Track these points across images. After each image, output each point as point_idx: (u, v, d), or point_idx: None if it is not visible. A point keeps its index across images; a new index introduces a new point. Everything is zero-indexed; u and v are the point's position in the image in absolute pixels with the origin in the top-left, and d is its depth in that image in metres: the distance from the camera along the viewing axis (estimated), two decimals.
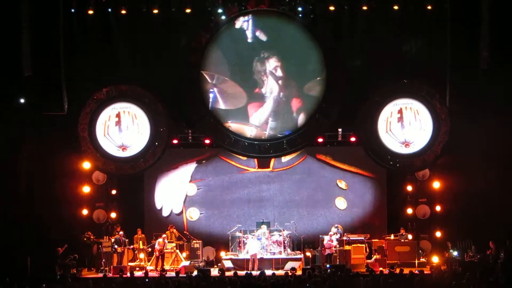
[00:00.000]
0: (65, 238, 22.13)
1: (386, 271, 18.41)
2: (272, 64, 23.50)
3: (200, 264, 22.39)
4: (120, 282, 16.88)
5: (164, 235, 22.31)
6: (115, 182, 24.09)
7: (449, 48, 21.98)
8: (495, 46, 21.34)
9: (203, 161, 24.52)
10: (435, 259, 22.42)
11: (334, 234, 22.47)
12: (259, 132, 23.77)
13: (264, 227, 22.78)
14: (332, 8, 23.04)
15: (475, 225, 22.15)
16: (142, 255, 22.59)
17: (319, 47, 23.37)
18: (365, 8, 22.95)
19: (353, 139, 23.92)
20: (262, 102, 23.64)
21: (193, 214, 24.27)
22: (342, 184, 24.33)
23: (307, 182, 24.34)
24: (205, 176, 24.47)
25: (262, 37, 23.56)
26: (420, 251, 22.69)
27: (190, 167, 24.49)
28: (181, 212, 24.26)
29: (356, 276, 17.14)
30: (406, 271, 17.14)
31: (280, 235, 22.67)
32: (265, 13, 23.51)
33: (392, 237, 22.73)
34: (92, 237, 22.87)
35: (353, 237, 22.53)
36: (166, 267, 21.84)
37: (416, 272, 17.29)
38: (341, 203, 24.21)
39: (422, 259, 22.45)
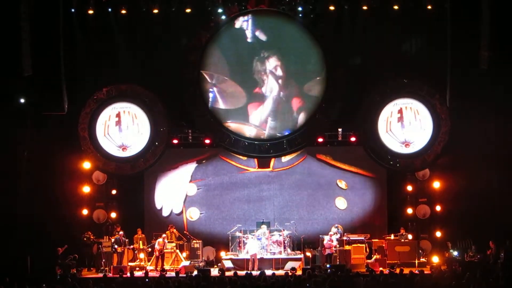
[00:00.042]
0: (65, 238, 22.16)
1: (386, 271, 18.42)
2: (272, 63, 23.51)
3: (200, 264, 22.39)
4: (120, 282, 16.89)
5: (164, 235, 22.32)
6: (115, 182, 24.09)
7: (449, 48, 21.99)
8: (495, 46, 21.34)
9: (203, 161, 24.52)
10: (435, 259, 22.44)
11: (334, 234, 22.48)
12: (259, 132, 23.77)
13: (264, 227, 22.78)
14: (332, 7, 23.04)
15: (475, 225, 22.16)
16: (142, 255, 22.59)
17: (319, 46, 23.37)
18: (365, 8, 22.94)
19: (353, 139, 23.92)
20: (262, 102, 23.65)
21: (193, 214, 24.27)
22: (342, 184, 24.33)
23: (307, 182, 24.33)
24: (205, 176, 24.47)
25: (262, 37, 23.57)
26: (420, 251, 22.69)
27: (190, 167, 24.49)
28: (181, 212, 24.26)
29: (356, 276, 17.12)
30: (406, 271, 17.15)
31: (280, 235, 22.66)
32: (265, 13, 23.52)
33: (392, 237, 22.73)
34: (92, 237, 22.87)
35: (353, 237, 22.53)
36: (166, 267, 21.84)
37: (416, 272, 17.28)
38: (341, 203, 24.20)
39: (422, 259, 22.45)
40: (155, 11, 23.00)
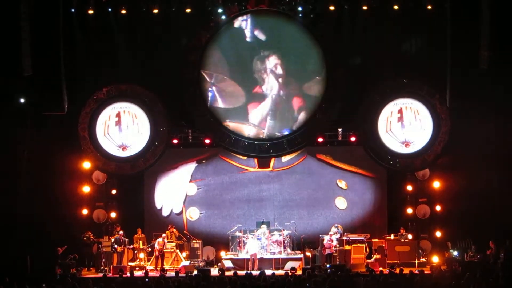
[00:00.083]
0: (65, 238, 22.16)
1: (386, 271, 18.43)
2: (272, 62, 23.51)
3: (200, 264, 22.39)
4: (120, 282, 16.89)
5: (163, 235, 22.32)
6: (115, 182, 24.09)
7: (449, 48, 22.00)
8: (495, 46, 21.34)
9: (203, 161, 24.52)
10: (435, 259, 22.43)
11: (334, 234, 22.48)
12: (258, 131, 23.77)
13: (264, 227, 22.78)
14: (332, 7, 23.03)
15: (475, 225, 22.17)
16: (142, 255, 22.59)
17: (319, 46, 23.37)
18: (365, 8, 22.93)
19: (353, 138, 23.91)
20: (261, 101, 23.65)
21: (193, 214, 24.27)
22: (342, 184, 24.33)
23: (307, 181, 24.33)
24: (205, 175, 24.47)
25: (261, 36, 23.57)
26: (420, 251, 22.69)
27: (190, 166, 24.49)
28: (181, 212, 24.26)
29: (356, 276, 17.14)
30: (406, 271, 17.16)
31: (280, 235, 22.67)
32: (265, 12, 23.52)
33: (392, 237, 22.73)
34: (92, 237, 22.87)
35: (353, 237, 22.53)
36: (166, 267, 21.84)
37: (416, 272, 17.28)
38: (341, 202, 24.20)
39: (422, 259, 22.45)
40: (155, 11, 23.00)
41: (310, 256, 22.47)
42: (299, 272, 19.22)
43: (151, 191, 24.32)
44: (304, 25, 23.35)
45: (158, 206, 24.26)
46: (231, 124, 23.74)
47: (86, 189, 23.67)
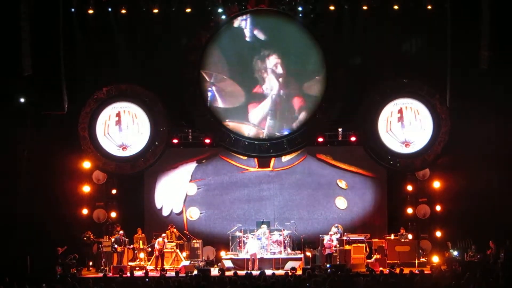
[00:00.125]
0: (65, 238, 22.15)
1: (386, 271, 18.43)
2: (272, 61, 23.52)
3: (200, 264, 22.40)
4: (120, 282, 16.86)
5: (163, 235, 22.32)
6: (115, 181, 24.08)
7: (449, 48, 22.00)
8: (495, 46, 21.35)
9: (203, 161, 24.52)
10: (435, 259, 22.44)
11: (334, 233, 22.48)
12: (258, 131, 23.77)
13: (264, 226, 22.78)
14: (332, 7, 23.03)
15: (475, 225, 22.17)
16: (142, 255, 22.60)
17: (319, 46, 23.37)
18: (365, 7, 22.93)
19: (353, 138, 23.91)
20: (261, 101, 23.65)
21: (193, 214, 24.27)
22: (342, 184, 24.33)
23: (307, 181, 24.33)
24: (205, 175, 24.47)
25: (261, 36, 23.58)
26: (420, 251, 22.71)
27: (190, 166, 24.49)
28: (181, 212, 24.26)
29: (356, 276, 17.15)
30: (406, 271, 17.17)
31: (280, 235, 22.67)
32: (265, 12, 23.51)
33: (392, 236, 22.74)
34: (92, 236, 22.86)
35: (353, 236, 22.54)
36: (166, 266, 21.85)
37: (416, 272, 17.28)
38: (341, 202, 24.20)
39: (422, 259, 22.47)
40: (155, 11, 23.00)
41: (310, 256, 22.48)
42: (299, 272, 19.23)
43: (151, 191, 24.32)
44: (304, 25, 23.35)
45: (158, 206, 24.26)
46: (230, 124, 23.74)
47: (86, 189, 23.67)
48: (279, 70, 23.57)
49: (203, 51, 23.38)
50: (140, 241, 22.72)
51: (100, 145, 23.34)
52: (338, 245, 22.20)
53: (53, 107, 22.22)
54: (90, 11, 22.90)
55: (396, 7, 22.82)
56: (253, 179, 24.40)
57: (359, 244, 22.13)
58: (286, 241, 22.62)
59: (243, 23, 23.54)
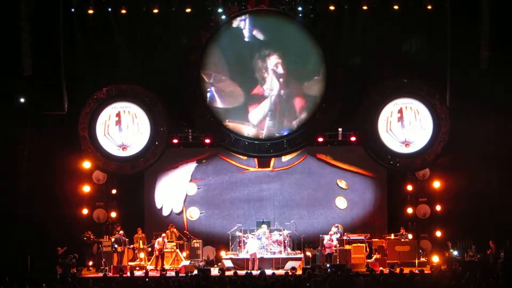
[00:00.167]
0: (65, 238, 22.16)
1: (386, 270, 18.43)
2: (273, 61, 23.52)
3: (200, 264, 22.40)
4: (120, 282, 16.87)
5: (163, 235, 22.32)
6: (115, 181, 24.08)
7: (449, 48, 22.01)
8: (495, 46, 21.35)
9: (203, 161, 24.52)
10: (435, 259, 22.45)
11: (334, 233, 22.49)
12: (257, 131, 23.78)
13: (264, 226, 22.79)
14: (332, 7, 23.02)
15: (475, 224, 22.17)
16: (142, 255, 22.61)
17: (319, 46, 23.37)
18: (365, 7, 22.92)
19: (353, 138, 23.91)
20: (261, 101, 23.66)
21: (193, 214, 24.27)
22: (342, 184, 24.33)
23: (307, 181, 24.33)
24: (205, 175, 24.47)
25: (260, 36, 23.57)
26: (420, 251, 22.71)
27: (190, 166, 24.49)
28: (181, 212, 24.26)
29: (356, 275, 17.13)
30: (406, 270, 17.17)
31: (280, 235, 22.67)
32: (265, 12, 23.51)
33: (392, 236, 22.74)
34: (92, 236, 22.86)
35: (353, 236, 22.55)
36: (166, 266, 21.85)
37: (416, 271, 17.28)
38: (341, 202, 24.20)
39: (422, 259, 22.48)
40: (155, 11, 22.99)
41: (310, 255, 22.48)
42: (299, 272, 19.22)
43: (151, 191, 24.32)
44: (304, 25, 23.34)
45: (158, 205, 24.26)
46: (230, 124, 23.74)
47: (86, 188, 23.66)
48: (280, 70, 23.57)
49: (203, 51, 23.37)
50: (140, 241, 22.72)
51: (100, 145, 23.34)
52: (338, 245, 22.21)
53: (53, 107, 22.23)
54: (90, 11, 22.89)
55: (396, 7, 22.82)
56: (253, 179, 24.40)
57: (359, 244, 22.13)
58: (286, 241, 22.62)
59: (242, 23, 23.55)
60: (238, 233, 22.84)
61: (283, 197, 24.28)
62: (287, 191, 24.32)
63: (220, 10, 23.22)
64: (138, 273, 19.98)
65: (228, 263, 22.01)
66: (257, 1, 23.32)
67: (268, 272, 17.91)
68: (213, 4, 23.17)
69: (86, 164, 23.47)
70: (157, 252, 21.95)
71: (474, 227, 22.15)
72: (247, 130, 23.76)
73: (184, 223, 24.11)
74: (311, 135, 23.83)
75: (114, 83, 23.47)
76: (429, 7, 22.76)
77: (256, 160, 24.31)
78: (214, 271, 20.58)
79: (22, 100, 22.38)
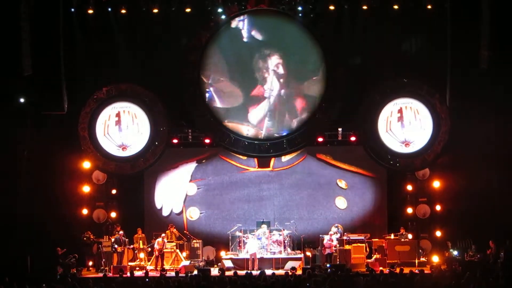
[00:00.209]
0: (65, 238, 22.17)
1: (386, 270, 18.43)
2: (274, 61, 23.51)
3: (200, 264, 22.40)
4: (120, 282, 16.88)
5: (163, 235, 22.32)
6: (115, 181, 24.07)
7: (449, 48, 22.01)
8: (495, 46, 21.36)
9: (203, 161, 24.52)
10: (435, 259, 22.45)
11: (334, 233, 22.49)
12: (256, 131, 23.78)
13: (264, 226, 22.79)
14: (332, 7, 23.02)
15: (475, 224, 22.18)
16: (142, 255, 22.60)
17: (319, 46, 23.37)
18: (365, 7, 22.92)
19: (353, 138, 23.91)
20: (261, 101, 23.66)
21: (193, 214, 24.27)
22: (342, 184, 24.33)
23: (307, 181, 24.33)
24: (205, 175, 24.47)
25: (258, 36, 23.57)
26: (420, 251, 22.71)
27: (190, 166, 24.49)
28: (181, 212, 24.26)
29: (356, 275, 17.14)
30: (406, 270, 17.18)
31: (280, 235, 22.67)
32: (265, 12, 23.50)
33: (392, 236, 22.73)
34: (92, 236, 22.86)
35: (353, 236, 22.54)
36: (166, 266, 21.85)
37: (416, 271, 17.28)
38: (341, 202, 24.20)
39: (422, 259, 22.48)
40: (155, 11, 22.99)
41: (310, 255, 22.48)
42: (299, 272, 19.22)
43: (151, 191, 24.32)
44: (304, 25, 23.34)
45: (158, 206, 24.26)
46: (229, 124, 23.74)
47: (86, 189, 23.66)
48: (281, 70, 23.58)
49: (203, 51, 23.37)
50: (140, 241, 22.72)
51: (100, 145, 23.34)
52: (338, 245, 22.21)
53: (53, 107, 22.23)
54: (90, 11, 22.89)
55: (396, 7, 22.82)
56: (253, 179, 24.40)
57: (359, 244, 22.13)
58: (286, 241, 22.62)
59: (241, 23, 23.55)
60: (238, 233, 22.84)
61: (283, 197, 24.28)
62: (287, 191, 24.32)
63: (220, 10, 23.22)
64: (138, 273, 19.98)
65: (228, 263, 22.01)
66: (257, 1, 23.31)
67: (268, 272, 17.92)
68: (213, 4, 23.16)
69: (86, 164, 23.46)
70: (157, 252, 21.95)
71: (474, 227, 22.15)
72: (246, 130, 23.75)
73: (184, 223, 24.11)
74: (311, 135, 23.83)
75: (114, 83, 23.47)
76: (429, 7, 22.75)
77: (256, 160, 24.31)
78: (214, 271, 20.58)
79: (22, 100, 22.39)
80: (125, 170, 23.58)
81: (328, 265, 20.63)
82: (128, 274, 19.23)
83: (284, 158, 24.37)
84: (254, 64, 23.52)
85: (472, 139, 22.19)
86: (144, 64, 23.41)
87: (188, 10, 23.06)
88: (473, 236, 21.99)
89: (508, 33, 21.31)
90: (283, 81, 23.59)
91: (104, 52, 23.16)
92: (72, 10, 22.76)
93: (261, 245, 22.41)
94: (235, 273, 18.24)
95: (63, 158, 23.03)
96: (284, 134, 23.78)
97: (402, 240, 22.59)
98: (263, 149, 23.81)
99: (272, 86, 23.57)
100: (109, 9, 23.00)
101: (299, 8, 23.22)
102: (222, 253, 22.99)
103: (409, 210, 23.84)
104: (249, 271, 18.61)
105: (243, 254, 22.37)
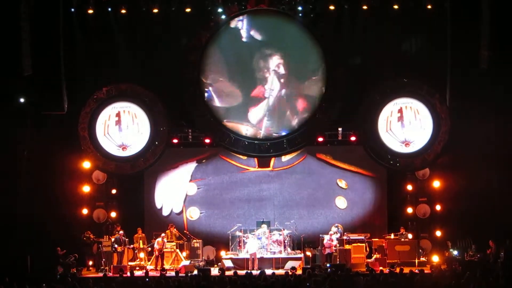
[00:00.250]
0: (65, 238, 22.17)
1: (386, 270, 18.43)
2: (275, 61, 23.52)
3: (200, 264, 22.40)
4: (120, 282, 16.87)
5: (163, 234, 22.33)
6: (115, 181, 24.07)
7: (449, 48, 22.02)
8: (495, 46, 21.36)
9: (203, 161, 24.52)
10: (435, 259, 22.45)
11: (334, 233, 22.49)
12: (255, 131, 23.78)
13: (264, 226, 22.79)
14: (332, 7, 23.03)
15: (475, 224, 22.18)
16: (142, 255, 22.61)
17: (319, 46, 23.37)
18: (365, 7, 22.92)
19: (353, 138, 23.91)
20: (261, 101, 23.66)
21: (193, 214, 24.27)
22: (342, 184, 24.33)
23: (307, 181, 24.33)
24: (205, 175, 24.47)
25: (257, 36, 23.57)
26: (420, 251, 22.72)
27: (190, 166, 24.49)
28: (181, 212, 24.26)
29: (356, 275, 17.14)
30: (406, 270, 17.17)
31: (280, 235, 22.67)
32: (265, 12, 23.51)
33: (392, 236, 22.74)
34: (92, 236, 22.86)
35: (353, 236, 22.56)
36: (166, 266, 21.85)
37: (416, 271, 17.27)
38: (341, 202, 24.20)
39: (422, 259, 22.49)
40: (155, 10, 22.99)
41: (310, 255, 22.48)
42: (299, 272, 19.22)
43: (151, 191, 24.32)
44: (304, 24, 23.34)
45: (158, 205, 24.26)
46: (228, 124, 23.74)
47: (86, 188, 23.66)
48: (282, 70, 23.58)
49: (203, 51, 23.37)
50: (140, 241, 22.72)
51: (100, 145, 23.34)
52: (338, 245, 22.21)
53: (53, 107, 22.24)
54: (90, 11, 22.89)
55: (396, 7, 22.82)
56: (253, 179, 24.40)
57: (359, 244, 22.14)
58: (286, 241, 22.62)
59: (240, 23, 23.55)
60: (238, 233, 22.84)
61: (283, 197, 24.28)
62: (287, 191, 24.32)
63: (220, 10, 23.22)
64: (138, 273, 19.99)
65: (228, 263, 22.01)
66: (257, 1, 23.30)
67: (268, 272, 17.91)
68: (213, 4, 23.16)
69: (86, 164, 23.47)
70: (157, 252, 21.95)
71: (474, 227, 22.16)
72: (245, 129, 23.76)
73: (184, 223, 24.11)
74: (311, 135, 23.83)
75: (114, 83, 23.47)
76: (429, 7, 22.75)
77: (256, 160, 24.31)
78: (214, 271, 20.58)
79: (22, 100, 22.40)
80: (125, 170, 23.58)
81: (328, 265, 20.64)
82: (128, 274, 19.24)
83: (284, 158, 24.38)
84: (255, 64, 23.53)
85: (472, 139, 22.20)
86: (144, 64, 23.41)
87: (188, 10, 23.06)
88: (473, 236, 22.00)
89: (508, 33, 21.32)
90: (284, 81, 23.59)
91: (104, 52, 23.16)
92: (72, 10, 22.77)
93: (261, 245, 22.42)
94: (235, 273, 18.25)
95: (63, 158, 23.03)
96: (284, 134, 23.78)
97: (402, 240, 22.60)
98: (263, 149, 23.81)
99: (272, 86, 23.58)
100: (109, 9, 23.00)
101: (299, 8, 23.22)
102: (222, 253, 23.00)
103: (409, 210, 23.85)
104: (249, 271, 18.59)
105: (243, 254, 22.37)
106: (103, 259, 22.00)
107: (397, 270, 18.14)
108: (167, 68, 23.10)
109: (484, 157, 22.24)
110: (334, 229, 22.78)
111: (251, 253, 21.91)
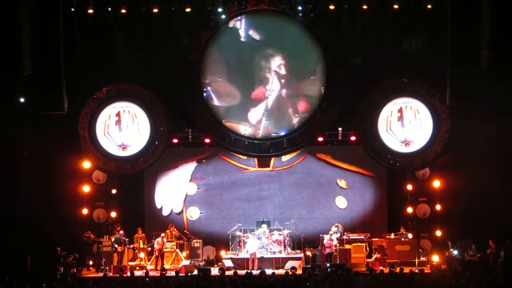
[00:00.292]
0: (65, 238, 22.18)
1: (386, 270, 18.42)
2: (276, 62, 23.51)
3: (200, 264, 22.40)
4: (120, 282, 16.89)
5: (163, 234, 22.33)
6: (115, 181, 24.07)
7: (449, 48, 22.02)
8: (495, 46, 21.37)
9: (203, 160, 24.52)
10: (435, 258, 22.45)
11: (334, 233, 22.50)
12: (254, 131, 23.78)
13: (264, 226, 22.79)
14: (332, 7, 23.03)
15: (475, 224, 22.19)
16: (142, 255, 22.61)
17: (319, 46, 23.37)
18: (365, 7, 22.92)
19: (353, 138, 23.91)
20: (260, 101, 23.66)
21: (193, 213, 24.27)
22: (342, 183, 24.33)
23: (307, 181, 24.33)
24: (205, 175, 24.47)
25: (256, 36, 23.57)
26: (420, 250, 22.72)
27: (190, 166, 24.49)
28: (181, 211, 24.26)
29: (356, 275, 17.15)
30: (406, 270, 17.19)
31: (280, 234, 22.68)
32: (265, 12, 23.51)
33: (392, 236, 22.74)
34: (92, 236, 22.87)
35: (353, 236, 22.56)
36: (166, 266, 21.86)
37: (416, 271, 17.28)
38: (341, 202, 24.21)
39: (422, 258, 22.49)
40: (155, 10, 22.99)
41: (310, 255, 22.48)
42: (299, 272, 19.24)
43: (151, 191, 24.32)
44: (304, 24, 23.34)
45: (158, 205, 24.26)
46: (227, 124, 23.74)
47: (86, 188, 23.66)
48: (283, 71, 23.58)
49: (203, 51, 23.38)
50: (140, 241, 22.73)
51: (100, 145, 23.34)
52: (338, 245, 22.21)
53: (53, 107, 22.24)
54: (90, 11, 22.89)
55: (396, 6, 22.82)
56: (253, 179, 24.40)
57: (359, 244, 22.14)
58: (286, 241, 22.63)
59: (238, 23, 23.55)
60: (238, 233, 22.84)
61: (283, 196, 24.28)
62: (287, 190, 24.32)
63: (220, 10, 23.22)
64: (138, 273, 20.00)
65: (228, 263, 22.02)
66: (257, 1, 23.31)
67: (268, 271, 17.89)
68: (213, 3, 23.16)
69: (86, 164, 23.47)
70: (157, 252, 21.95)
71: (474, 227, 22.16)
72: (244, 129, 23.76)
73: (184, 223, 24.11)
74: (311, 135, 23.83)
75: (114, 83, 23.47)
76: (429, 7, 22.76)
77: (256, 159, 24.31)
78: (214, 271, 20.57)
79: (22, 100, 22.39)
80: (125, 170, 23.59)
81: (328, 265, 20.65)
82: (128, 273, 19.24)
83: (284, 158, 24.38)
84: (255, 64, 23.53)
85: (472, 139, 22.20)
86: (144, 64, 23.41)
87: (188, 10, 23.06)
88: (473, 236, 22.01)
89: (508, 33, 21.32)
90: (284, 81, 23.59)
91: (104, 52, 23.16)
92: (72, 10, 22.77)
93: (261, 244, 22.42)
94: (235, 272, 18.27)
95: (63, 158, 23.04)
96: (283, 133, 23.78)
97: (402, 239, 22.60)
98: (263, 149, 23.81)
99: (273, 86, 23.57)
100: (109, 9, 23.00)
101: (299, 8, 23.22)
102: (222, 253, 23.00)
103: (409, 210, 23.85)
104: (249, 271, 18.59)
105: (243, 254, 22.37)
106: (103, 259, 22.00)
107: (397, 270, 18.13)
108: (167, 68, 23.11)
109: (484, 157, 22.25)
110: (334, 229, 22.79)
111: (251, 253, 21.92)
